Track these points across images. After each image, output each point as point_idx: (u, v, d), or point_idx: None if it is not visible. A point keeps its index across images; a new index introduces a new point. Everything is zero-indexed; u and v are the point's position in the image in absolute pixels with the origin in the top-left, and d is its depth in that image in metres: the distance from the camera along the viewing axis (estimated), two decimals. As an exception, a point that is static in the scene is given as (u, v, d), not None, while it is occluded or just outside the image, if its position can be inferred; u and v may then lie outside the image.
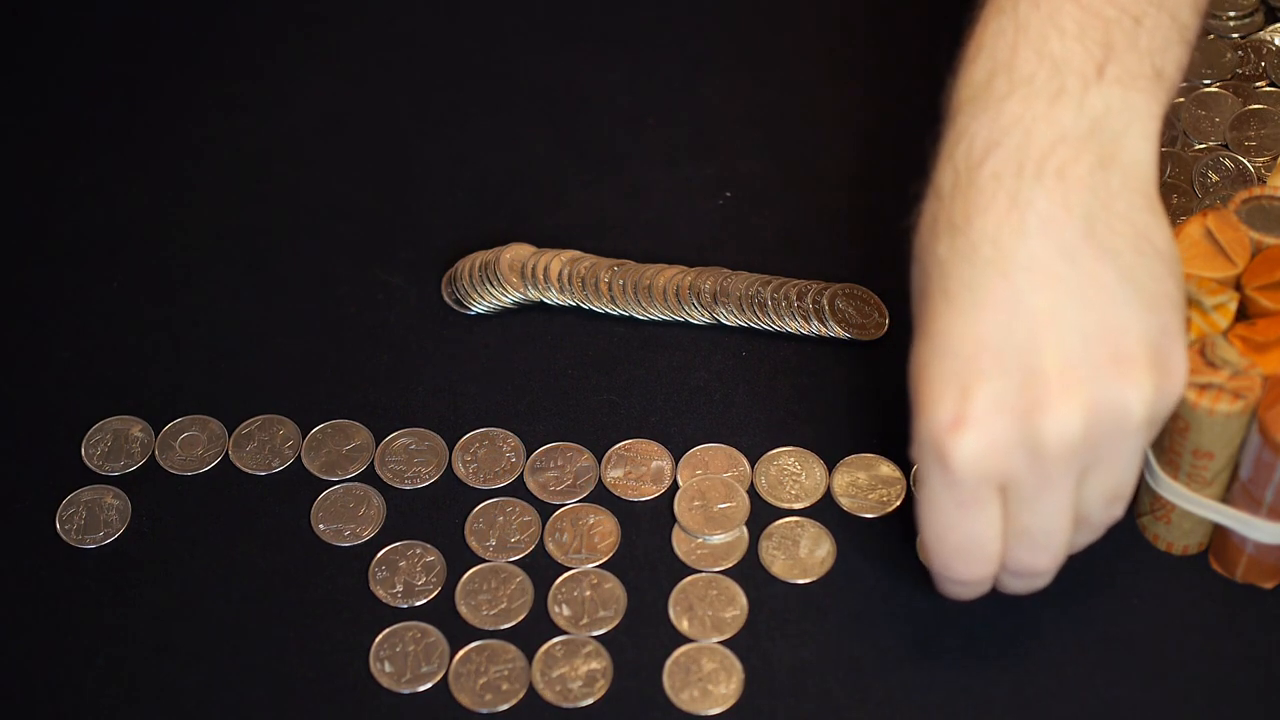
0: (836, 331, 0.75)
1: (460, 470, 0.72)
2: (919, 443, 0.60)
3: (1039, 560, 0.62)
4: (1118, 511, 0.62)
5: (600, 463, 0.72)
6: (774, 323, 0.75)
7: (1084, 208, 0.59)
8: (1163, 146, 0.78)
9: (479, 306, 0.76)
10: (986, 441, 0.58)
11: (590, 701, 0.65)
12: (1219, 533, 0.67)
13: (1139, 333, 0.58)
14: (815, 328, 0.75)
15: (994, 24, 0.62)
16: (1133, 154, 0.60)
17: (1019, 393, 0.58)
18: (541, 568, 0.69)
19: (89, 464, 0.72)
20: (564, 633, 0.67)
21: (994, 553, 0.61)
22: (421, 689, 0.66)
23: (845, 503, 0.70)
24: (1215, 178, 0.78)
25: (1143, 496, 0.68)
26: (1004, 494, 0.60)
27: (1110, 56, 0.61)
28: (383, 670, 0.66)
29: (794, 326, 0.75)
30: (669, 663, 0.66)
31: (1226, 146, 0.79)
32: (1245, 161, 0.78)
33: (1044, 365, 0.58)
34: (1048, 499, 0.59)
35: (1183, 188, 0.78)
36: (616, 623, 0.67)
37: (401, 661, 0.67)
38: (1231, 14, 0.84)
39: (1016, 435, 0.58)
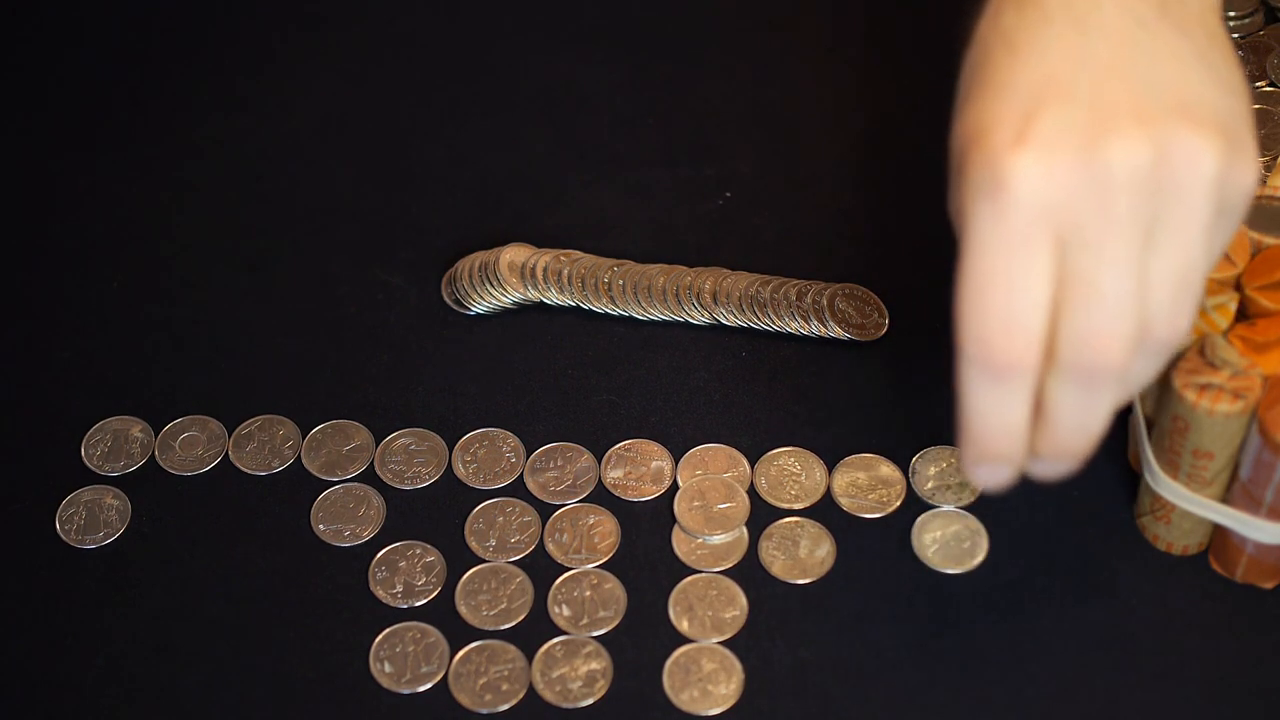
0: (836, 332, 0.75)
1: (460, 470, 0.72)
2: (969, 178, 0.54)
3: (1110, 337, 0.55)
4: (1185, 313, 0.55)
5: (600, 463, 0.72)
6: (774, 323, 0.75)
7: None
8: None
9: (479, 306, 0.76)
10: (1049, 163, 0.53)
11: (590, 702, 0.66)
12: (1219, 533, 0.67)
13: (1211, 101, 0.55)
14: (815, 328, 0.75)
15: None
16: None
17: (1087, 120, 0.54)
18: (541, 568, 0.69)
19: (89, 464, 0.72)
20: (564, 633, 0.67)
21: (1039, 325, 0.54)
22: (421, 689, 0.66)
23: (845, 503, 0.70)
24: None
25: (1143, 496, 0.68)
26: (1061, 253, 0.54)
27: None
28: (383, 670, 0.66)
29: (794, 326, 0.75)
30: (669, 663, 0.66)
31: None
32: None
33: (1115, 99, 0.54)
34: (1113, 248, 0.54)
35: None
36: (616, 623, 0.67)
37: (401, 661, 0.67)
38: (1231, 14, 0.84)
39: (1081, 161, 0.53)
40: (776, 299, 0.75)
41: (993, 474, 0.59)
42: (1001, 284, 0.54)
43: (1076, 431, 0.57)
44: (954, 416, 0.57)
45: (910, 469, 0.71)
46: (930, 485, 0.70)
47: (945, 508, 0.70)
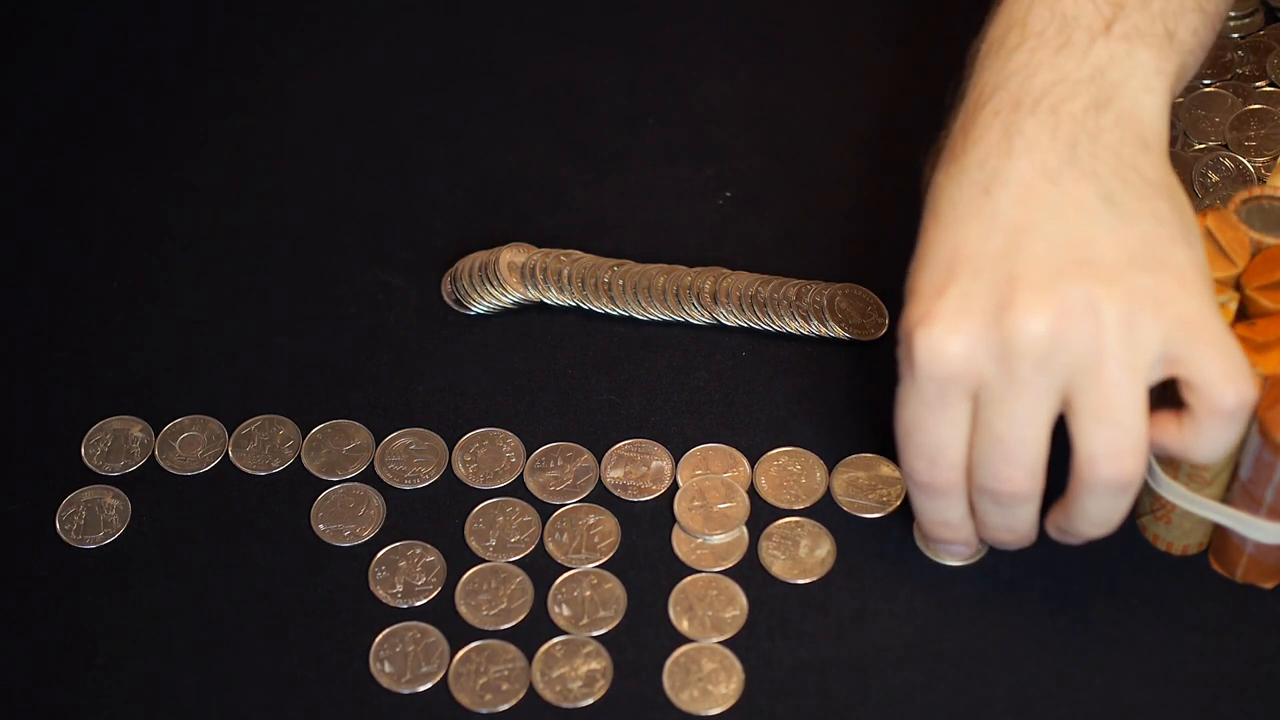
0: (836, 332, 0.75)
1: (460, 470, 0.72)
2: (899, 339, 0.61)
3: (1011, 472, 0.61)
4: (1123, 453, 0.60)
5: (600, 463, 0.72)
6: (774, 323, 0.75)
7: (1070, 137, 0.61)
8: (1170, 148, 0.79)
9: (479, 306, 0.76)
10: (952, 335, 0.59)
11: (590, 701, 0.65)
12: (1219, 533, 0.67)
13: (1111, 242, 0.59)
14: (815, 328, 0.75)
15: None
16: (1131, 100, 0.62)
17: (989, 293, 0.59)
18: (541, 568, 0.69)
19: (89, 464, 0.72)
20: (564, 633, 0.67)
21: (958, 458, 0.62)
22: (421, 689, 0.66)
23: (845, 503, 0.70)
24: (1215, 178, 0.78)
25: (1143, 496, 0.68)
26: (975, 401, 0.60)
27: (1119, 15, 0.63)
28: (383, 670, 0.66)
29: (794, 326, 0.75)
30: (669, 663, 0.66)
31: (1226, 146, 0.79)
32: (1245, 161, 0.78)
33: (1015, 270, 0.59)
34: (1017, 403, 0.60)
35: (1183, 188, 0.78)
36: (616, 623, 0.67)
37: (401, 661, 0.67)
38: (1231, 14, 0.84)
39: (983, 332, 0.59)
40: (776, 299, 0.75)
41: (950, 552, 0.68)
42: (920, 428, 0.61)
43: (1006, 531, 0.64)
44: None
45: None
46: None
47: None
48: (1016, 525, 0.64)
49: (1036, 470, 0.61)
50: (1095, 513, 0.62)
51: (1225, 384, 0.59)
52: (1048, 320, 0.58)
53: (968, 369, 0.60)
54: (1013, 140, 0.61)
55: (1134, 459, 0.60)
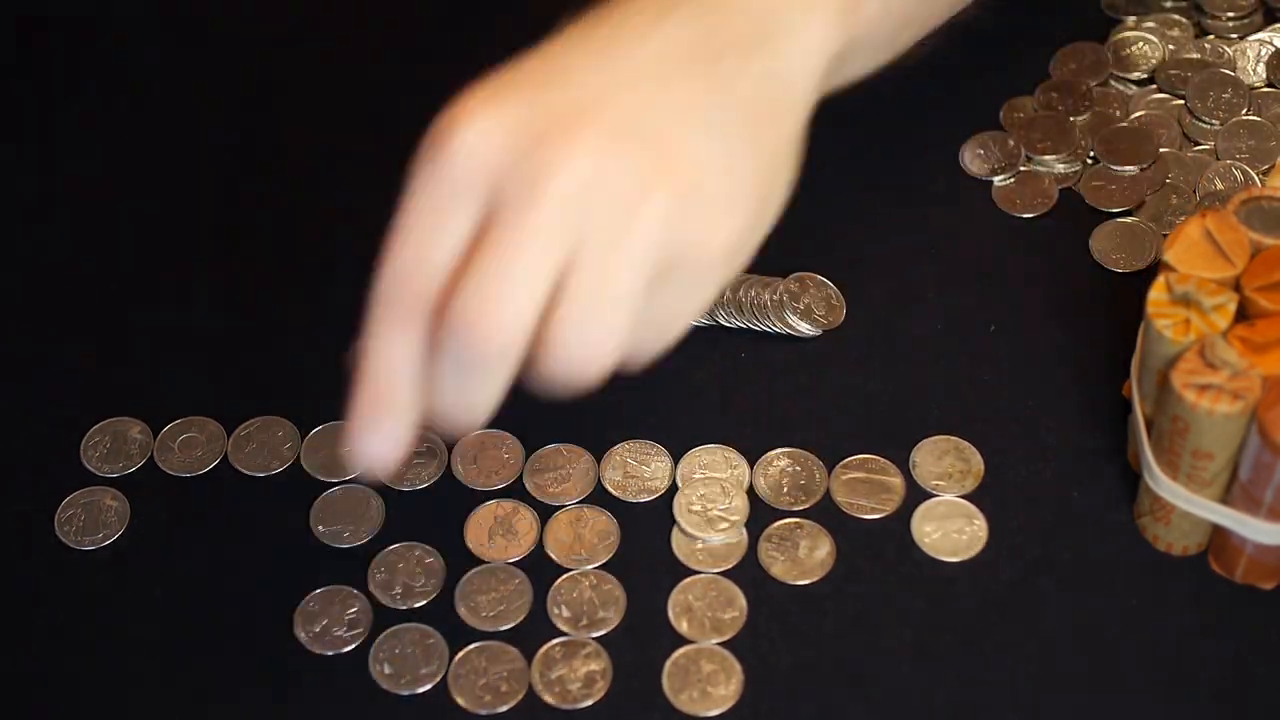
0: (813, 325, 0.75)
1: (459, 471, 0.72)
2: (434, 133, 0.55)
3: (485, 308, 0.53)
4: (579, 345, 0.55)
5: (600, 463, 0.72)
6: (773, 323, 0.75)
7: (721, 45, 0.57)
8: (1163, 147, 0.79)
9: (478, 307, 0.76)
10: (500, 133, 0.54)
11: (590, 703, 0.65)
12: (1219, 533, 0.67)
13: (697, 158, 0.55)
14: (815, 326, 0.75)
15: None
16: (790, 54, 0.58)
17: (548, 109, 0.54)
18: (541, 568, 0.69)
19: (88, 465, 0.72)
20: (564, 634, 0.67)
21: (442, 273, 0.54)
22: (421, 690, 0.66)
23: (845, 503, 0.70)
24: (1221, 185, 0.78)
25: (1143, 497, 0.68)
26: (478, 228, 0.54)
27: None
28: (382, 671, 0.66)
29: (794, 326, 0.75)
30: (668, 664, 0.66)
31: (1218, 156, 0.79)
32: (1254, 174, 0.78)
33: (598, 110, 0.54)
34: (529, 237, 0.53)
35: (1183, 190, 0.78)
36: (616, 624, 0.67)
37: (401, 662, 0.67)
38: (1231, 14, 0.84)
39: (530, 145, 0.54)
40: (775, 300, 0.75)
41: (381, 439, 0.58)
42: (423, 228, 0.55)
43: (456, 405, 0.57)
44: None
45: (910, 461, 0.71)
46: (931, 476, 0.70)
47: (946, 497, 0.70)
48: (473, 399, 0.56)
49: (518, 319, 0.54)
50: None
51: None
52: (593, 166, 0.53)
53: (497, 173, 0.53)
54: (665, 18, 0.57)
55: (576, 367, 0.55)
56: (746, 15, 0.58)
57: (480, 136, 0.54)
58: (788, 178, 0.58)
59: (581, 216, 0.54)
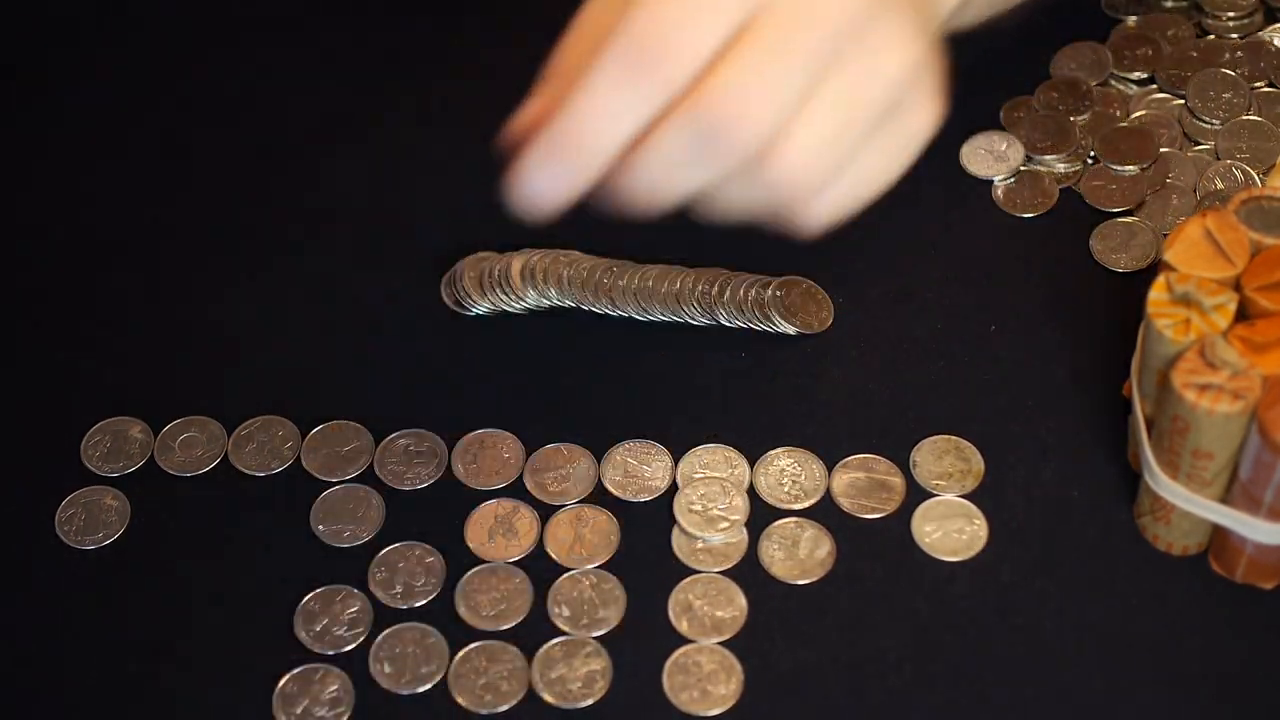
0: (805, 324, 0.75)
1: (459, 471, 0.72)
2: None
3: (753, 97, 0.56)
4: (814, 159, 0.58)
5: (600, 463, 0.72)
6: (774, 324, 0.75)
7: None
8: (1163, 146, 0.79)
9: (479, 307, 0.76)
10: None
11: (590, 702, 0.66)
12: (1219, 533, 0.67)
13: (925, 30, 0.60)
14: (815, 324, 0.75)
15: None
16: None
17: None
18: (541, 568, 0.69)
19: (88, 465, 0.72)
20: (564, 633, 0.67)
21: (701, 48, 0.56)
22: (421, 689, 0.66)
23: (845, 503, 0.70)
24: (1221, 185, 0.78)
25: (1143, 496, 0.68)
26: (750, 20, 0.56)
27: None
28: (382, 671, 0.66)
29: (793, 326, 0.75)
30: (669, 663, 0.66)
31: (1218, 156, 0.79)
32: (1254, 174, 0.78)
33: None
34: (799, 47, 0.56)
35: (1183, 189, 0.78)
36: (616, 623, 0.67)
37: (401, 662, 0.67)
38: (1231, 14, 0.84)
39: None
40: (777, 299, 0.75)
41: (553, 179, 0.58)
42: (692, 14, 0.55)
43: (650, 182, 0.58)
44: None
45: (910, 460, 0.71)
46: (931, 475, 0.70)
47: (946, 497, 0.70)
48: (672, 184, 0.58)
49: (763, 133, 0.57)
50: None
51: None
52: (867, 12, 0.57)
53: None
54: None
55: (803, 176, 0.59)
56: None
57: None
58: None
59: (845, 52, 0.57)
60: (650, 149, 0.57)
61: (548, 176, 0.58)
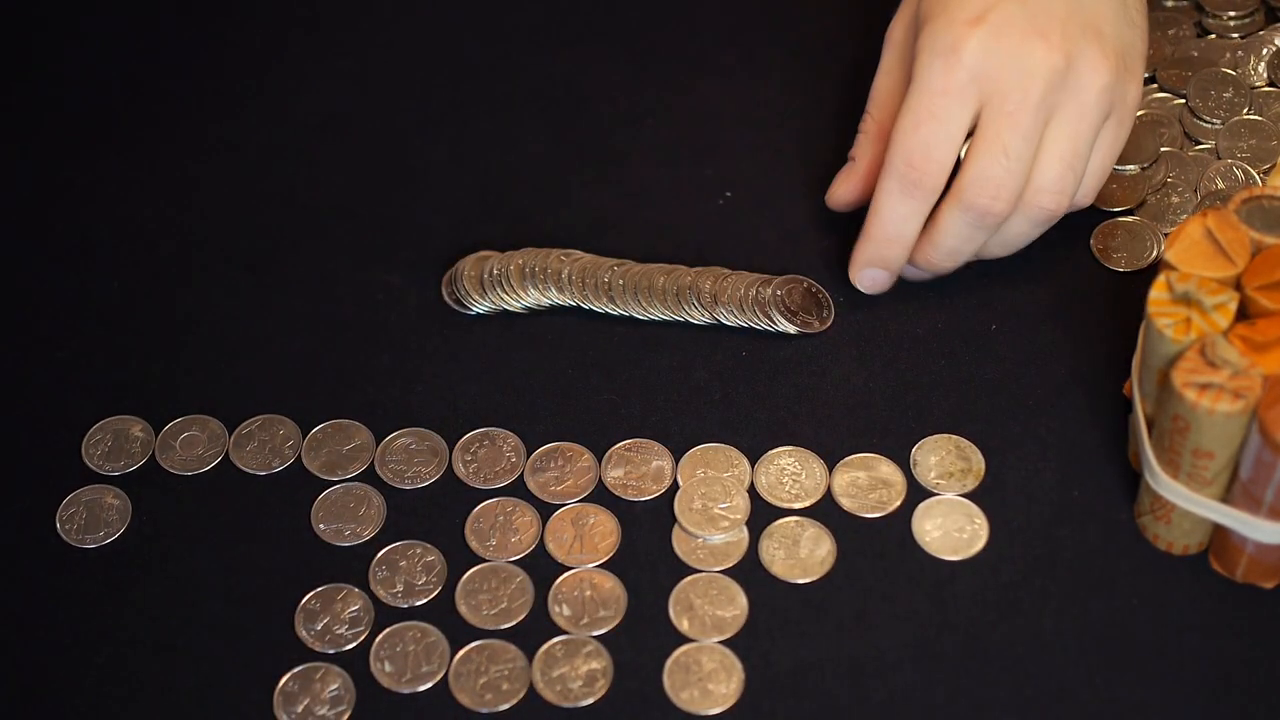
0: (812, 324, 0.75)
1: (460, 470, 0.72)
2: (929, 37, 0.70)
3: (995, 187, 0.70)
4: (1065, 190, 0.71)
5: (600, 463, 0.72)
6: (774, 323, 0.75)
7: None
8: (1164, 146, 0.79)
9: (479, 307, 0.76)
10: (994, 44, 0.69)
11: (590, 701, 0.66)
12: (1219, 533, 0.67)
13: (1115, 33, 0.71)
14: (814, 323, 0.75)
15: None
16: None
17: (1027, 22, 0.70)
18: (541, 568, 0.69)
19: (89, 464, 0.72)
20: (564, 632, 0.67)
21: (949, 159, 0.71)
22: (421, 689, 0.66)
23: (845, 503, 0.70)
24: (1222, 185, 0.78)
25: (1143, 496, 0.68)
26: (980, 114, 0.70)
27: None
28: (383, 670, 0.66)
29: (793, 325, 0.75)
30: (669, 662, 0.66)
31: (1219, 155, 0.79)
32: (1255, 174, 0.78)
33: (1050, 12, 0.70)
34: (1022, 119, 0.70)
35: (1184, 189, 0.78)
36: (616, 623, 0.67)
37: (401, 661, 0.67)
38: (1231, 14, 0.84)
39: (1016, 50, 0.69)
40: (777, 298, 0.75)
41: (874, 277, 0.74)
42: (932, 120, 0.70)
43: (949, 254, 0.73)
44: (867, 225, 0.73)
45: (911, 460, 0.71)
46: (931, 474, 0.70)
47: (946, 496, 0.70)
48: (964, 250, 0.73)
49: (1018, 193, 0.71)
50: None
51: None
52: (1065, 61, 0.70)
53: (998, 74, 0.69)
54: None
55: (1063, 203, 0.72)
56: None
57: (983, 48, 0.70)
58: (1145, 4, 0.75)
59: (1057, 99, 0.70)
60: (939, 234, 0.72)
61: (875, 267, 0.74)
